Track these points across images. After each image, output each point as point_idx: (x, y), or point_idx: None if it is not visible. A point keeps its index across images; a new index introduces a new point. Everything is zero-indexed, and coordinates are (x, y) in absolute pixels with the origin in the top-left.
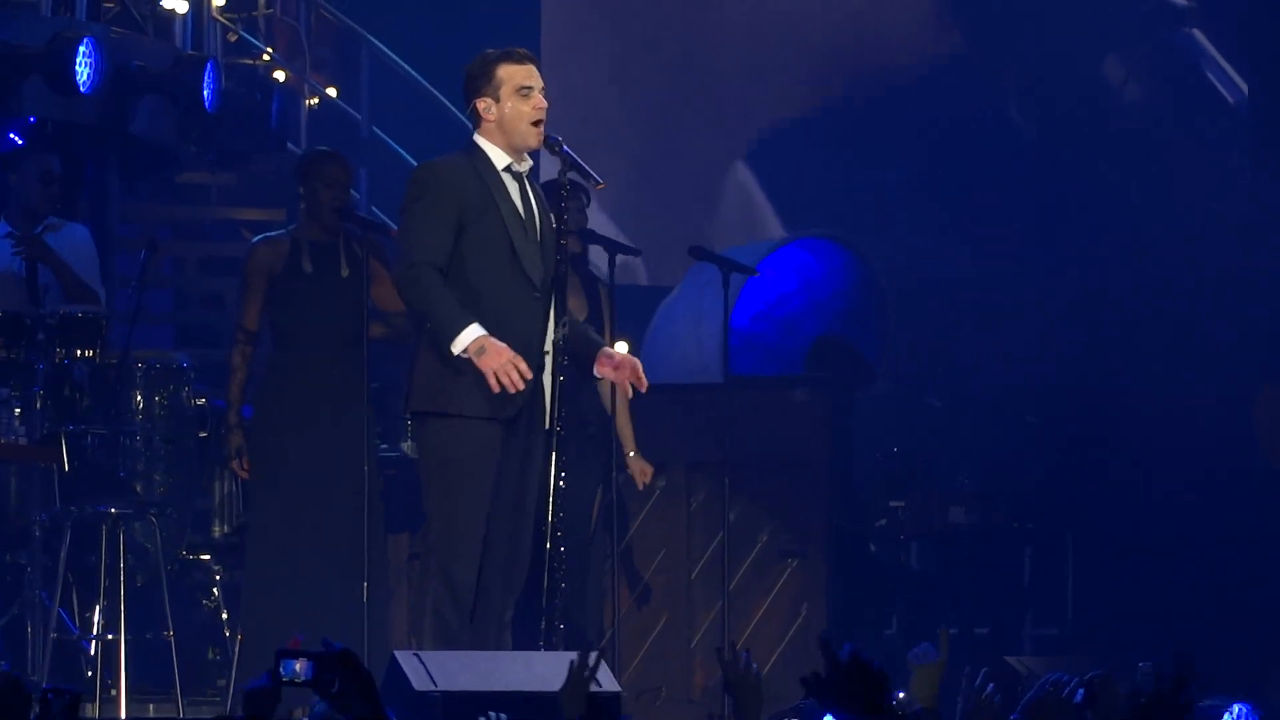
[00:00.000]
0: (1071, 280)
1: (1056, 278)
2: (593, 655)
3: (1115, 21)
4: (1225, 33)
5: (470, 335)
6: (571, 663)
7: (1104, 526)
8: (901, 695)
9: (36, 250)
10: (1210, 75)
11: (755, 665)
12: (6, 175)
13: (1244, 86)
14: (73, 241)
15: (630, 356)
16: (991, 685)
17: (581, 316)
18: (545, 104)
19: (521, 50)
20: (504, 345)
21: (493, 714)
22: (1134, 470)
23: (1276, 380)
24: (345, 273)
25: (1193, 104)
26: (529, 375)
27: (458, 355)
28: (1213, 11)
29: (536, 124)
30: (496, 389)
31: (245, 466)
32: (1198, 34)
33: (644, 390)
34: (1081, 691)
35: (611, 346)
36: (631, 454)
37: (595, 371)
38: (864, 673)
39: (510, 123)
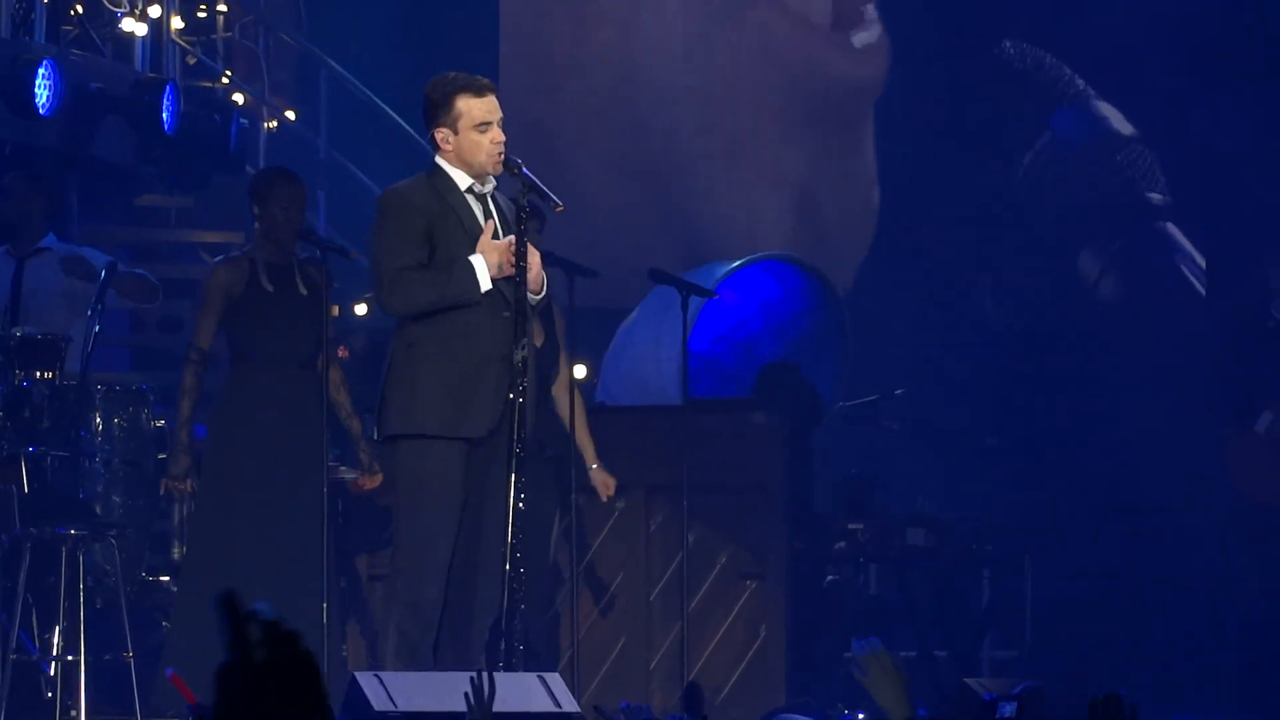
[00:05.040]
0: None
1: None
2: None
3: (1090, 217)
4: (1197, 225)
5: (480, 268)
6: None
7: (1062, 549)
8: (861, 717)
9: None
10: (1184, 268)
11: None
12: None
13: None
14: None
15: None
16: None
17: (540, 340)
18: (503, 137)
19: (482, 81)
20: (483, 250)
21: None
22: (1092, 493)
23: (1230, 421)
24: (304, 292)
25: (1166, 297)
26: (508, 240)
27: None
28: (1185, 205)
29: (494, 155)
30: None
31: (190, 489)
32: (1171, 228)
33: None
34: (1013, 706)
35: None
36: (594, 466)
37: None
38: None
39: (468, 155)
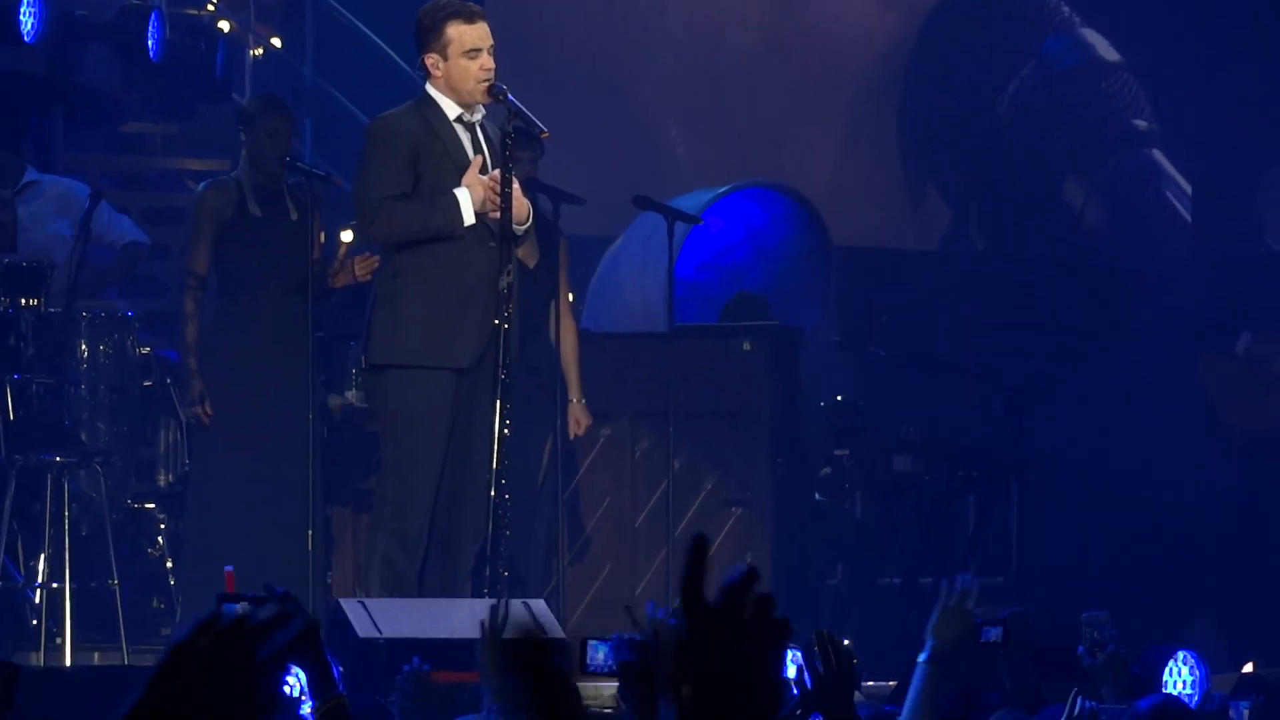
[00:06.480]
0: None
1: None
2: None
3: (1075, 144)
4: (1183, 153)
5: (465, 201)
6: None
7: (1048, 476)
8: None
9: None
10: (1170, 195)
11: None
12: None
13: None
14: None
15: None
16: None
17: (531, 262)
18: (492, 64)
19: (473, 7)
20: (469, 185)
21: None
22: (1078, 420)
23: (1211, 347)
24: (294, 215)
25: (1153, 224)
26: (494, 181)
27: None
28: (1172, 132)
29: (483, 82)
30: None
31: (209, 411)
32: (1158, 154)
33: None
34: (998, 630)
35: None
36: (574, 401)
37: None
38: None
39: (457, 81)
